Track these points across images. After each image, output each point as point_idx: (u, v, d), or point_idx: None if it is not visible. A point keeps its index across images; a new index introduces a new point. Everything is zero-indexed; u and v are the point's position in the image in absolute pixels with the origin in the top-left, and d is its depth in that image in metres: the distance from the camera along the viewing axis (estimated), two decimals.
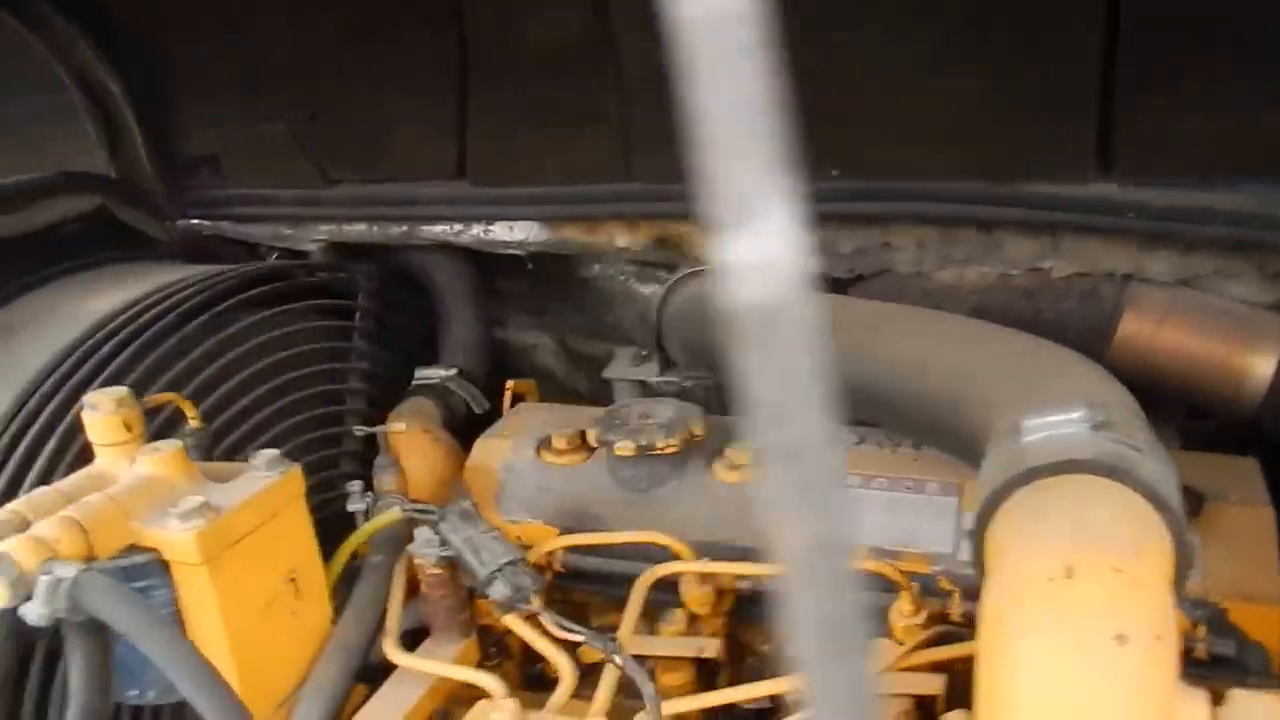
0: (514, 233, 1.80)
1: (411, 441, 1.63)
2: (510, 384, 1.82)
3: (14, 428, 1.29)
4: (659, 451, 1.39)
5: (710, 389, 1.76)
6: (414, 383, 1.84)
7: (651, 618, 1.32)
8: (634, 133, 1.56)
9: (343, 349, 1.78)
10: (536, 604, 1.11)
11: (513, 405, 1.79)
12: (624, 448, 1.39)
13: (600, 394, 2.18)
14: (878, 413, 1.36)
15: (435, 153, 1.69)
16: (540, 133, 1.62)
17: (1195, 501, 1.18)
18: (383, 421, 1.65)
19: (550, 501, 1.47)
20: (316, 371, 1.69)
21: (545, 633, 1.14)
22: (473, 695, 1.24)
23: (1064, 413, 0.94)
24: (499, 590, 1.10)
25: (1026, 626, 0.78)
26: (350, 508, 1.45)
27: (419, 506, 1.29)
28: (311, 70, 1.69)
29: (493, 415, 1.83)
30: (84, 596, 0.92)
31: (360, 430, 1.56)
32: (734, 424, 1.52)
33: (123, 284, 1.58)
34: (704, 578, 1.28)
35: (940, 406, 1.19)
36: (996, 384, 1.12)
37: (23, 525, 1.00)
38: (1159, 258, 1.41)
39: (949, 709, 1.13)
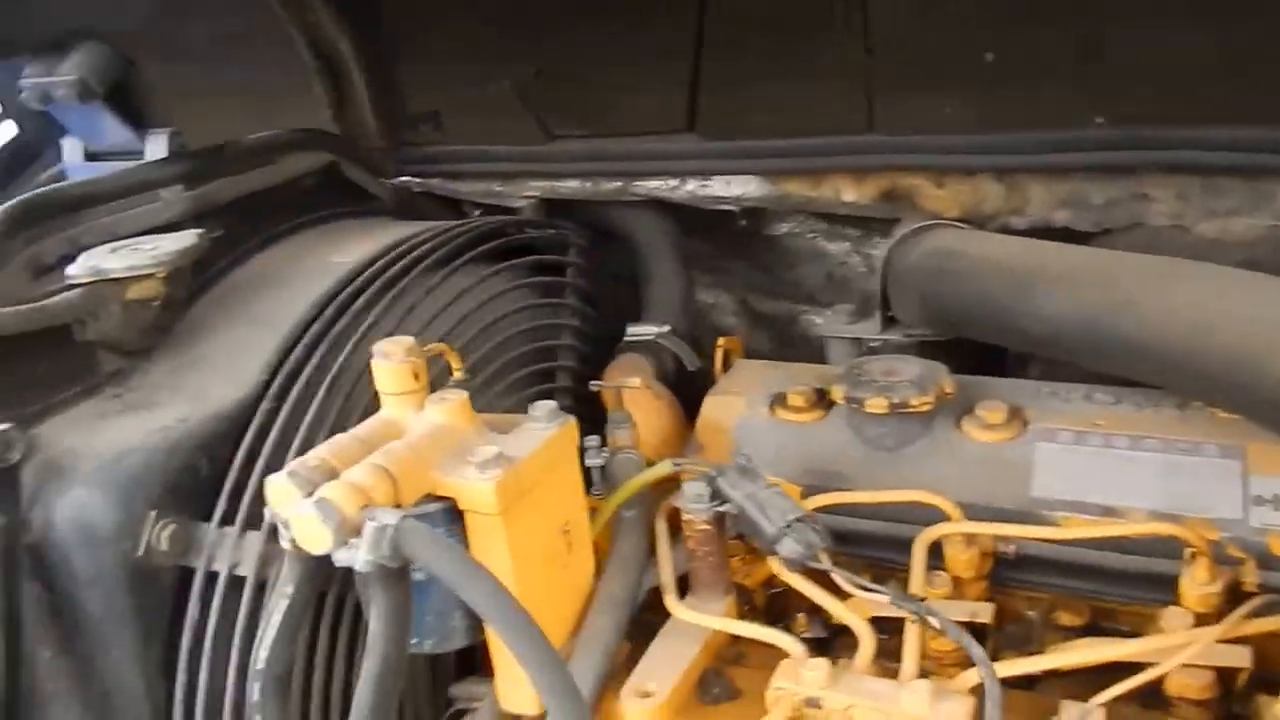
0: (731, 188, 1.78)
1: (635, 397, 1.63)
2: (721, 341, 1.80)
3: (281, 379, 1.32)
4: (912, 409, 1.36)
5: (930, 346, 1.71)
6: (625, 339, 1.84)
7: (904, 582, 1.29)
8: (878, 81, 1.51)
9: (555, 305, 1.79)
10: (826, 561, 1.09)
11: (724, 363, 1.77)
12: (875, 404, 1.36)
13: (780, 353, 2.15)
14: (1147, 370, 1.30)
15: (665, 106, 1.68)
16: (779, 83, 1.58)
17: None
18: (593, 378, 1.66)
19: (789, 459, 1.45)
20: (534, 327, 1.70)
21: (835, 591, 1.12)
22: (737, 654, 1.23)
23: None
24: (789, 547, 1.08)
25: None
26: (589, 463, 1.45)
27: (690, 461, 1.28)
28: (539, 25, 1.69)
29: (697, 373, 1.82)
30: (405, 543, 0.93)
31: (596, 385, 1.56)
32: (978, 383, 1.47)
33: (360, 238, 1.62)
34: (970, 540, 1.25)
35: (1234, 363, 1.13)
36: None
37: (331, 472, 1.01)
38: None
39: (1252, 683, 1.09)
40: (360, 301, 1.41)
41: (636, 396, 1.63)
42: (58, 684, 1.22)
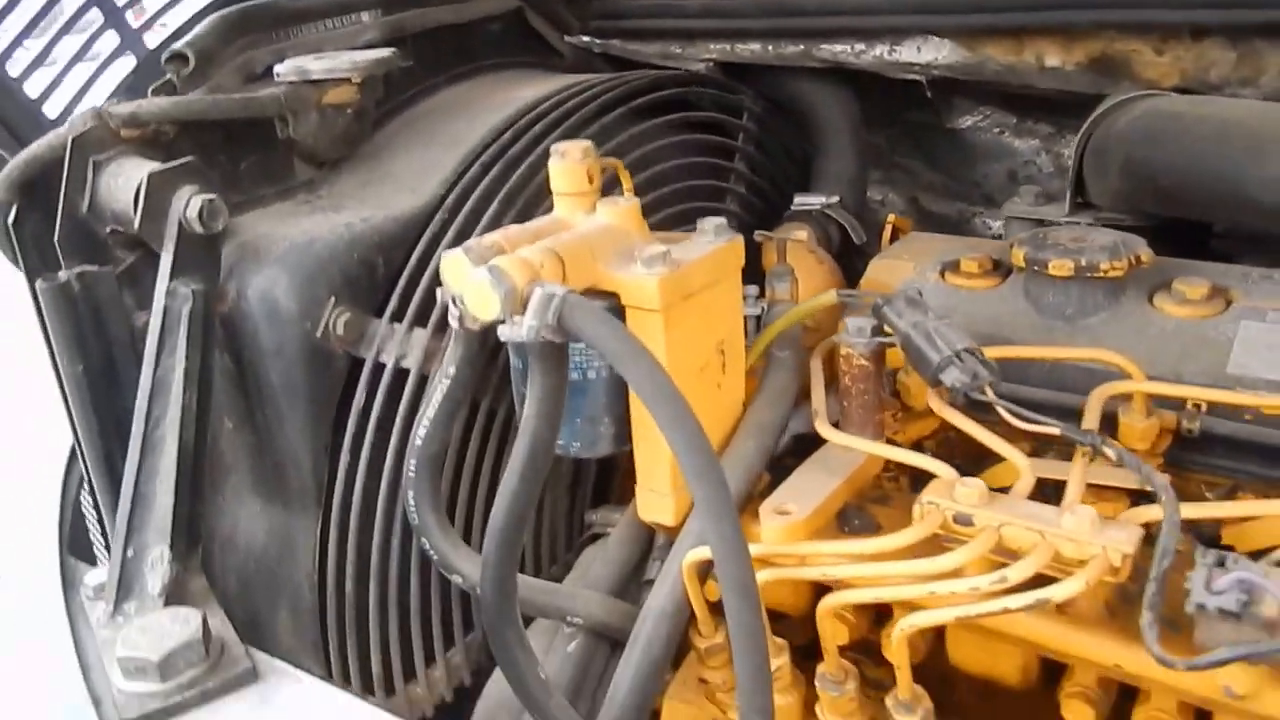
0: (922, 53, 1.70)
1: (798, 257, 1.61)
2: (891, 218, 1.76)
3: (457, 192, 1.36)
4: (1100, 275, 1.28)
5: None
6: (793, 208, 1.81)
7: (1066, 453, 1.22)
8: None
9: (723, 167, 1.78)
10: (991, 394, 1.05)
11: (892, 240, 1.73)
12: (1060, 267, 1.28)
13: None
14: None
15: None
16: None
17: None
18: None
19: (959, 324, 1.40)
20: (699, 185, 1.70)
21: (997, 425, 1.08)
22: (881, 495, 1.20)
23: None
24: (954, 376, 1.04)
25: None
26: (746, 312, 1.44)
27: (855, 292, 1.25)
28: None
29: (863, 250, 1.79)
30: (571, 316, 0.92)
31: (760, 235, 1.54)
32: (1178, 263, 1.38)
33: (541, 81, 1.64)
34: (1149, 410, 1.18)
35: None
36: None
37: (502, 251, 1.03)
38: None
39: None
40: (537, 128, 1.44)
41: (799, 256, 1.61)
42: (236, 456, 1.32)
